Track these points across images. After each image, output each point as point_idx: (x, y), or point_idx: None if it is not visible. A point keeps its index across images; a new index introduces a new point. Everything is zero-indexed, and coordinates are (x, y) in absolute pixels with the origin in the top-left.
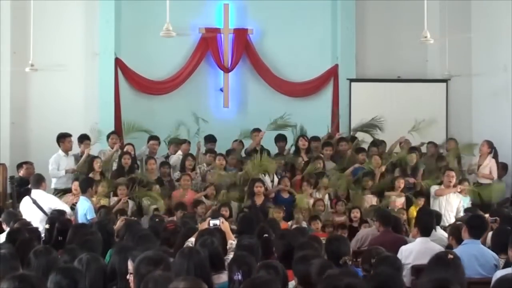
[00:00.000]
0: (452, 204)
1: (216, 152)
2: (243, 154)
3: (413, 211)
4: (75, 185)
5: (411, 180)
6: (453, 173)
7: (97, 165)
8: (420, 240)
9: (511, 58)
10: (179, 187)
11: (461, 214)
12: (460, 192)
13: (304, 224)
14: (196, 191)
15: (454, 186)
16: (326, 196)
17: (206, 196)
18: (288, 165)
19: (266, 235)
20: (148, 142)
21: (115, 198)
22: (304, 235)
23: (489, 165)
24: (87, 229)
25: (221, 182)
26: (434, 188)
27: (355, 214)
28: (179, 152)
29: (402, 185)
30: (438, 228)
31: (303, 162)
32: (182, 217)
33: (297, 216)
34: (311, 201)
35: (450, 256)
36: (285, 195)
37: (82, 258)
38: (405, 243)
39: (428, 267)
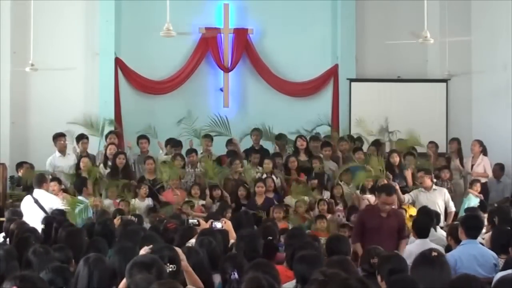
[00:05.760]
0: (435, 202)
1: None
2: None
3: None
4: (52, 185)
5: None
6: (422, 173)
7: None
8: (419, 240)
9: (511, 57)
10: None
11: (451, 205)
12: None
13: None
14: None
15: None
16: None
17: (189, 195)
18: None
19: (271, 237)
20: (137, 142)
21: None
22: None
23: (482, 163)
24: (75, 228)
25: (209, 179)
26: (414, 192)
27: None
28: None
29: None
30: (438, 228)
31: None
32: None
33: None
34: (294, 201)
35: (434, 253)
36: (269, 195)
37: (89, 258)
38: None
39: (413, 266)
